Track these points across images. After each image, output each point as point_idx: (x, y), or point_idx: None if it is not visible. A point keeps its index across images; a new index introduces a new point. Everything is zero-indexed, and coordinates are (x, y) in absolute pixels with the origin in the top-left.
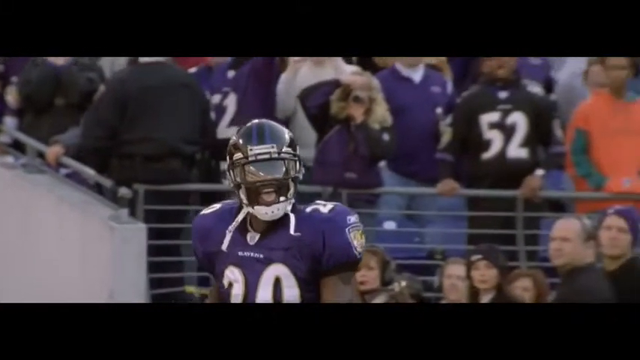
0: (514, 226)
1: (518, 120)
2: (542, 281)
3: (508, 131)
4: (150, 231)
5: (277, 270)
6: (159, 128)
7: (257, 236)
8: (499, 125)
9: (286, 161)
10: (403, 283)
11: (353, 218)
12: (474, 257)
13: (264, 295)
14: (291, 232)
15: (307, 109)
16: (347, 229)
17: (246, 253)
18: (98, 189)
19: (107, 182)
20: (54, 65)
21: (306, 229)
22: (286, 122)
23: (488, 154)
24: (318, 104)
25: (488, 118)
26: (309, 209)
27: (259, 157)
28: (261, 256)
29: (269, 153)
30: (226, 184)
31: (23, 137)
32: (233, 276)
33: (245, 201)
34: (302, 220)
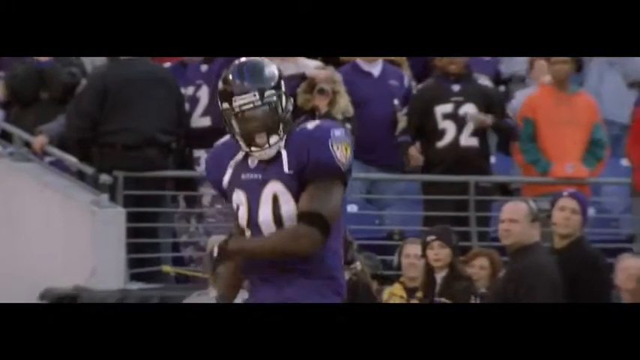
0: (467, 209)
1: (470, 111)
2: (498, 260)
3: (460, 121)
4: (129, 215)
5: (274, 187)
6: (137, 119)
7: (256, 160)
8: (452, 116)
9: (271, 103)
10: (363, 263)
11: (338, 132)
12: (429, 238)
13: (264, 212)
14: (285, 169)
15: None
16: (329, 141)
17: (248, 175)
18: (80, 176)
19: (89, 169)
20: (38, 61)
21: (293, 147)
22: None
23: (442, 143)
24: None
25: (442, 109)
26: (299, 128)
27: (243, 107)
28: (259, 176)
29: (252, 102)
30: (199, 170)
31: (10, 128)
32: (238, 199)
33: (241, 144)
34: (290, 141)
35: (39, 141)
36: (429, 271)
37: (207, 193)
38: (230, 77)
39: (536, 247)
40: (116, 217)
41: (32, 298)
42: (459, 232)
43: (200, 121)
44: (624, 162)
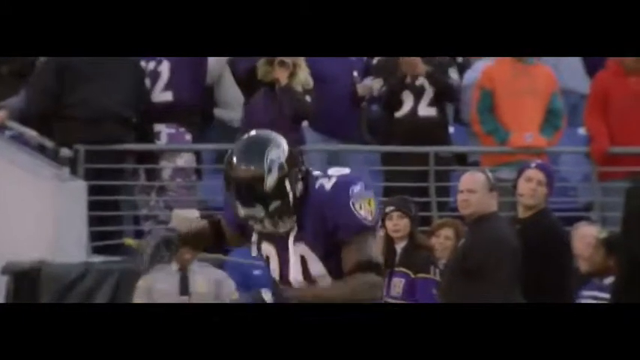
0: (426, 180)
1: (425, 82)
2: (463, 231)
3: (418, 92)
4: (90, 188)
5: (299, 249)
6: (97, 93)
7: None
8: (410, 86)
9: (277, 210)
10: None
11: (357, 188)
12: (388, 208)
13: (295, 271)
14: (308, 238)
15: (235, 73)
16: (350, 203)
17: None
18: (41, 150)
19: (49, 143)
20: None
21: (312, 210)
22: (213, 86)
23: (400, 113)
24: (246, 68)
25: (400, 79)
26: (317, 185)
27: (250, 220)
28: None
29: (258, 217)
30: (160, 144)
31: None
32: (268, 251)
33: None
34: (309, 204)
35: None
36: (389, 241)
37: (167, 166)
38: (233, 192)
39: (495, 216)
40: (77, 190)
41: None
42: (418, 202)
43: (161, 95)
44: (582, 131)
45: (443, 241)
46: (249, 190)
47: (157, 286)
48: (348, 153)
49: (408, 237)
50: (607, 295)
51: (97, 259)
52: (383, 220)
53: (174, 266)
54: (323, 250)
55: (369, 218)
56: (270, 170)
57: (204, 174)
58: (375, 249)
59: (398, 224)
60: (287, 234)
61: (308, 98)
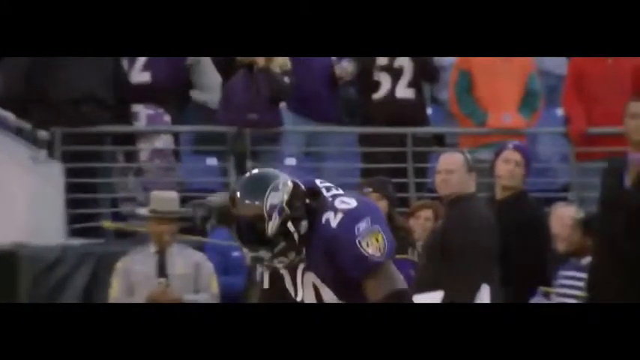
0: (404, 161)
1: (404, 63)
2: (441, 212)
3: (396, 73)
4: (67, 170)
5: (310, 277)
6: (74, 75)
7: None
8: (387, 68)
9: (282, 251)
10: None
11: (363, 225)
12: (365, 190)
13: (308, 297)
14: (317, 274)
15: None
16: (356, 242)
17: None
18: (18, 132)
19: (26, 125)
20: None
21: (319, 246)
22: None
23: (378, 95)
24: None
25: (377, 61)
26: (323, 219)
27: (255, 259)
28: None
29: (263, 258)
30: (138, 125)
31: None
32: (282, 270)
33: None
34: (315, 239)
35: None
36: None
37: (145, 148)
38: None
39: (473, 197)
40: (54, 172)
41: None
42: (396, 183)
43: (139, 76)
44: (559, 112)
45: (422, 222)
46: (252, 234)
47: (135, 268)
48: (326, 134)
49: (386, 218)
50: (584, 275)
51: (76, 241)
52: None
53: (152, 248)
54: (333, 282)
55: (378, 254)
56: (270, 217)
57: (183, 156)
58: (394, 274)
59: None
60: (296, 265)
61: (286, 80)
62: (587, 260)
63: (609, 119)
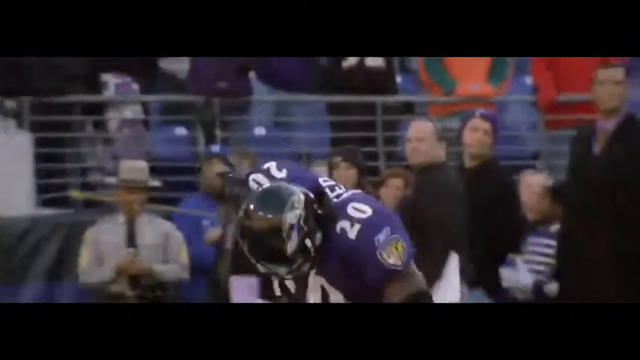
0: (374, 129)
1: None
2: (411, 181)
3: None
4: (36, 140)
5: (319, 279)
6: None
7: None
8: None
9: (300, 266)
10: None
11: (382, 237)
12: (335, 159)
13: (314, 299)
14: (328, 280)
15: None
16: (377, 254)
17: None
18: None
19: None
20: None
21: (334, 255)
22: None
23: (347, 63)
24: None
25: None
26: (338, 229)
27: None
28: None
29: (280, 275)
30: (107, 94)
31: None
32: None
33: None
34: (329, 248)
35: None
36: None
37: (114, 117)
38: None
39: (443, 165)
40: (23, 143)
41: None
42: (366, 152)
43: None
44: (528, 80)
45: (392, 190)
46: (270, 252)
47: (104, 238)
48: (296, 103)
49: (355, 187)
50: (553, 242)
51: (45, 211)
52: (330, 171)
53: (121, 218)
54: (344, 286)
55: (399, 263)
56: (290, 237)
57: (152, 125)
58: (414, 277)
59: (345, 175)
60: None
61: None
62: (556, 227)
63: (578, 86)
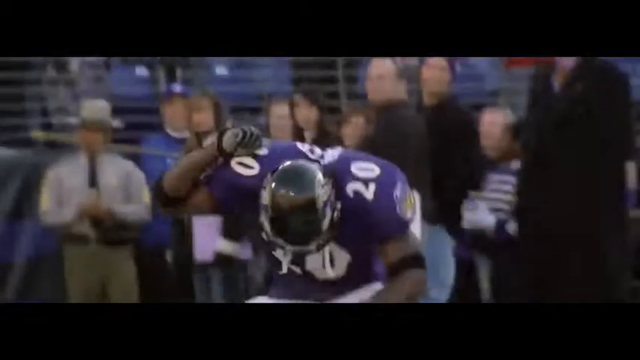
0: (335, 68)
1: None
2: (372, 118)
3: None
4: None
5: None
6: None
7: None
8: None
9: (330, 237)
10: (231, 125)
11: (399, 192)
12: (296, 97)
13: (314, 261)
14: (341, 244)
15: None
16: (397, 211)
17: None
18: None
19: None
20: None
21: (347, 217)
22: None
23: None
24: None
25: None
26: (350, 191)
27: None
28: None
29: (308, 252)
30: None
31: None
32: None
33: None
34: (343, 209)
35: None
36: (298, 130)
37: (76, 58)
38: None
39: (403, 103)
40: None
41: None
42: (328, 91)
43: None
44: None
45: (353, 128)
46: (306, 233)
47: (66, 179)
48: None
49: (316, 126)
50: (513, 179)
51: (5, 152)
52: (291, 109)
53: (83, 158)
54: (351, 246)
55: (411, 214)
56: (325, 215)
57: (113, 66)
58: (415, 238)
59: (306, 113)
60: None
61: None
62: (516, 165)
63: None
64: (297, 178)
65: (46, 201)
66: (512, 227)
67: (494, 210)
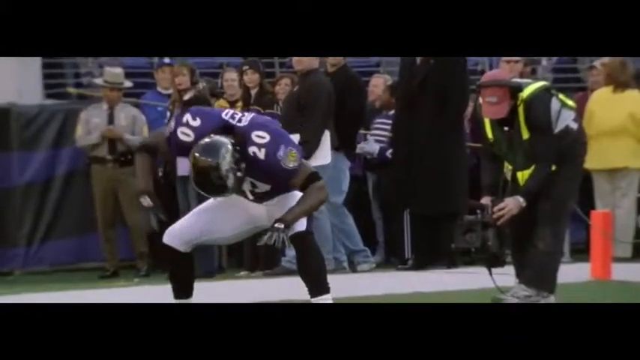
0: None
1: None
2: (295, 80)
3: None
4: None
5: (248, 179)
6: None
7: None
8: None
9: (228, 188)
10: (204, 84)
11: (281, 152)
12: (244, 67)
13: (245, 188)
14: (251, 194)
15: None
16: (281, 165)
17: None
18: None
19: None
20: None
21: (252, 169)
22: None
23: None
24: None
25: None
26: (250, 152)
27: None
28: None
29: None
30: None
31: None
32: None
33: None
34: (248, 165)
35: None
36: (246, 89)
37: None
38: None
39: (317, 71)
40: None
41: None
42: (265, 62)
43: None
44: None
45: (283, 87)
46: (214, 188)
47: (93, 118)
48: None
49: (258, 86)
50: (390, 121)
51: (49, 101)
52: (240, 75)
53: (104, 106)
54: (265, 181)
55: (297, 164)
56: (228, 178)
57: None
58: (307, 165)
59: (251, 77)
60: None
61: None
62: (392, 112)
63: None
64: (209, 149)
65: (79, 130)
66: (389, 153)
67: (378, 141)
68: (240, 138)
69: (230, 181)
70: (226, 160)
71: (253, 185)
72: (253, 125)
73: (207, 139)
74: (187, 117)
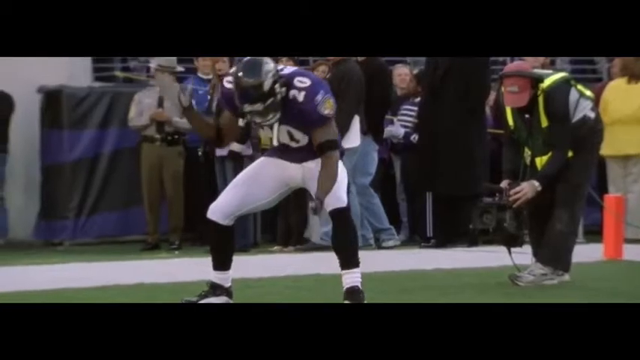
0: None
1: None
2: (331, 68)
3: None
4: None
5: (285, 127)
6: None
7: None
8: None
9: (268, 102)
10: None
11: (319, 97)
12: (283, 58)
13: (282, 138)
14: (291, 130)
15: None
16: (317, 109)
17: None
18: None
19: None
20: None
21: (290, 112)
22: None
23: None
24: None
25: None
26: (291, 95)
27: (251, 113)
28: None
29: (256, 111)
30: None
31: None
32: (266, 132)
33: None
34: (287, 107)
35: None
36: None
37: None
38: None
39: (349, 60)
40: None
41: (30, 90)
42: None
43: None
44: None
45: (320, 73)
46: (253, 94)
47: (145, 100)
48: None
49: None
50: (416, 108)
51: (97, 84)
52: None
53: (156, 89)
54: (301, 129)
55: (331, 112)
56: (267, 76)
57: None
58: (334, 130)
59: (287, 65)
60: (272, 124)
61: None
62: (418, 99)
63: None
64: (250, 60)
65: (132, 112)
66: (414, 137)
67: (404, 126)
68: (283, 83)
69: (267, 84)
70: (268, 67)
71: (291, 135)
72: (296, 72)
73: (248, 58)
74: (233, 69)
